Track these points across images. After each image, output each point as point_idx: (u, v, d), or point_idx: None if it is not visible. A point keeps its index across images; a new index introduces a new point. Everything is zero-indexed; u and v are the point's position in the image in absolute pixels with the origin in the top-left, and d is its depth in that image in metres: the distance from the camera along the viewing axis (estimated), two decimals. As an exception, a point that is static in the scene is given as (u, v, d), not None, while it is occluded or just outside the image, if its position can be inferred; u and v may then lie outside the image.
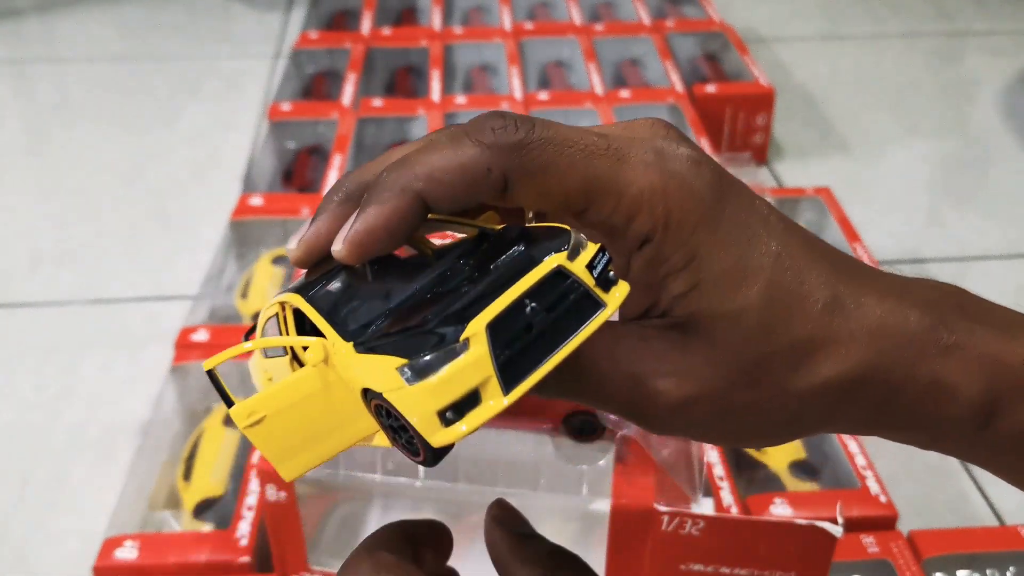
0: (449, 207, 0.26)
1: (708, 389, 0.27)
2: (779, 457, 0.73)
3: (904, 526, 0.67)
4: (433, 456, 0.25)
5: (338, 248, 0.26)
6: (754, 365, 0.27)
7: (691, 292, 0.27)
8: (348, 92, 1.19)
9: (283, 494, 0.57)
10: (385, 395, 0.24)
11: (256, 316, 0.91)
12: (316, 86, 1.29)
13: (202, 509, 0.70)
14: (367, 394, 0.25)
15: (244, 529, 0.65)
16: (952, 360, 0.27)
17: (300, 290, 0.27)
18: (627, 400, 0.27)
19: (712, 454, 0.69)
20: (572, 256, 0.25)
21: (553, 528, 0.35)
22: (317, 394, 0.26)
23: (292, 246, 0.27)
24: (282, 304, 0.27)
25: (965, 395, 0.27)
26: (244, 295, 0.90)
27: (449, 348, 0.23)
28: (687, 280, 0.27)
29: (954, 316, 0.28)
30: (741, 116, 1.18)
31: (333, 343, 0.25)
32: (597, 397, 0.27)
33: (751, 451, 0.73)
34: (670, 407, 0.27)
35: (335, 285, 0.27)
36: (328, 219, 0.27)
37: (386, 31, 1.36)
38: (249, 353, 0.28)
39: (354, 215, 0.26)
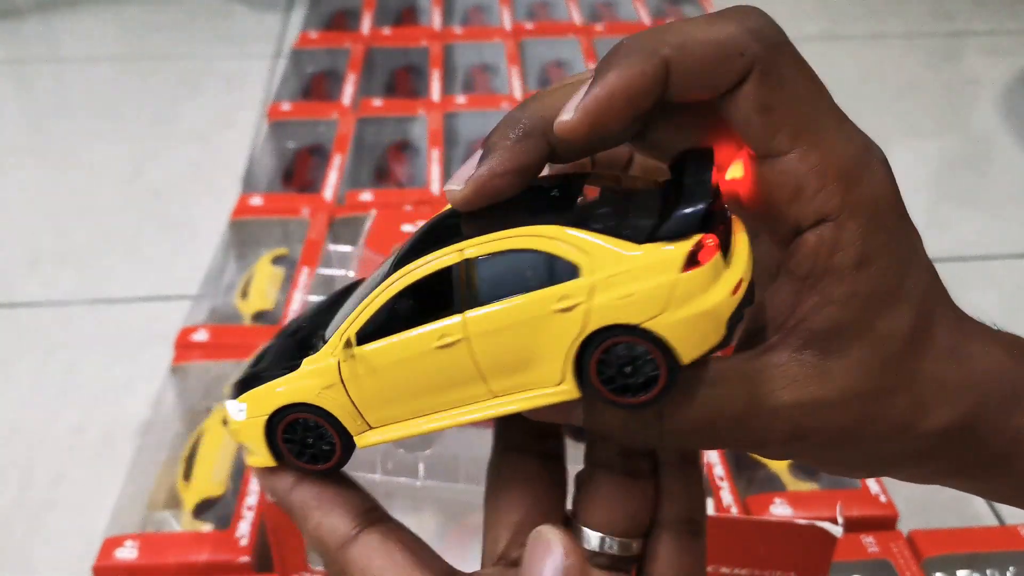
0: (692, 84, 0.24)
1: (837, 419, 0.25)
2: (779, 457, 0.73)
3: (904, 526, 0.67)
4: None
5: (567, 117, 0.23)
6: (885, 398, 0.25)
7: (848, 300, 0.24)
8: (348, 92, 1.19)
9: (283, 494, 0.57)
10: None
11: (257, 316, 0.91)
12: (316, 86, 1.29)
13: (202, 509, 0.70)
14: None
15: (244, 529, 0.65)
16: None
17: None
18: (761, 434, 0.25)
19: (712, 454, 0.69)
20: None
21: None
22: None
23: (456, 186, 0.25)
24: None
25: None
26: (244, 295, 0.90)
27: None
28: (850, 284, 0.24)
29: None
30: (741, 116, 1.18)
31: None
32: (730, 439, 0.25)
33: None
34: (798, 435, 0.25)
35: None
36: (506, 156, 0.24)
37: (386, 31, 1.36)
38: None
39: (589, 82, 0.24)
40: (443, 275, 0.25)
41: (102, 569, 0.64)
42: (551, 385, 0.25)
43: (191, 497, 0.71)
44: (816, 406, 0.25)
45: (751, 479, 0.71)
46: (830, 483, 0.71)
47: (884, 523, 0.66)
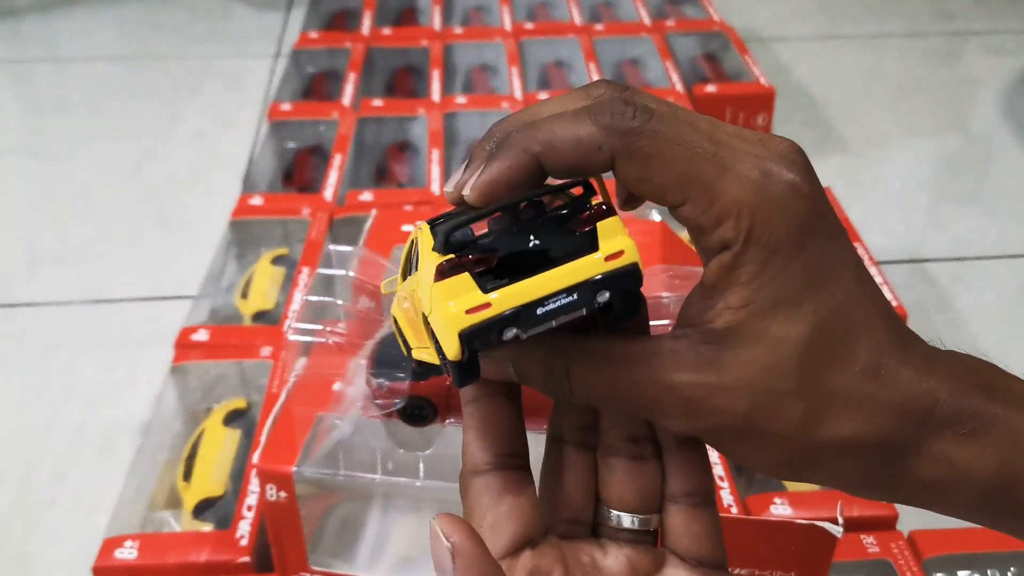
0: (562, 173, 0.29)
1: (729, 406, 0.28)
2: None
3: (904, 526, 0.67)
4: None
5: (467, 193, 0.29)
6: (778, 397, 0.28)
7: (743, 307, 0.28)
8: (348, 92, 1.19)
9: (283, 494, 0.57)
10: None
11: (257, 316, 0.91)
12: (316, 86, 1.29)
13: (202, 509, 0.70)
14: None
15: (244, 529, 0.65)
16: (968, 444, 0.28)
17: (433, 221, 0.30)
18: (656, 404, 0.29)
19: (712, 454, 0.69)
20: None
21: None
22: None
23: (449, 188, 0.30)
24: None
25: (978, 474, 0.29)
26: (244, 295, 0.90)
27: None
28: (744, 294, 0.28)
29: (980, 400, 0.29)
30: (741, 116, 1.18)
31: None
32: (628, 402, 0.29)
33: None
34: (693, 412, 0.29)
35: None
36: (479, 165, 0.30)
37: (386, 31, 1.36)
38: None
39: (483, 164, 0.29)
40: (411, 246, 0.31)
41: (102, 569, 0.64)
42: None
43: (191, 497, 0.71)
44: (708, 389, 0.28)
45: (751, 479, 0.71)
46: (830, 483, 0.71)
47: (884, 523, 0.66)
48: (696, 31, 1.35)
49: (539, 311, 0.27)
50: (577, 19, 1.38)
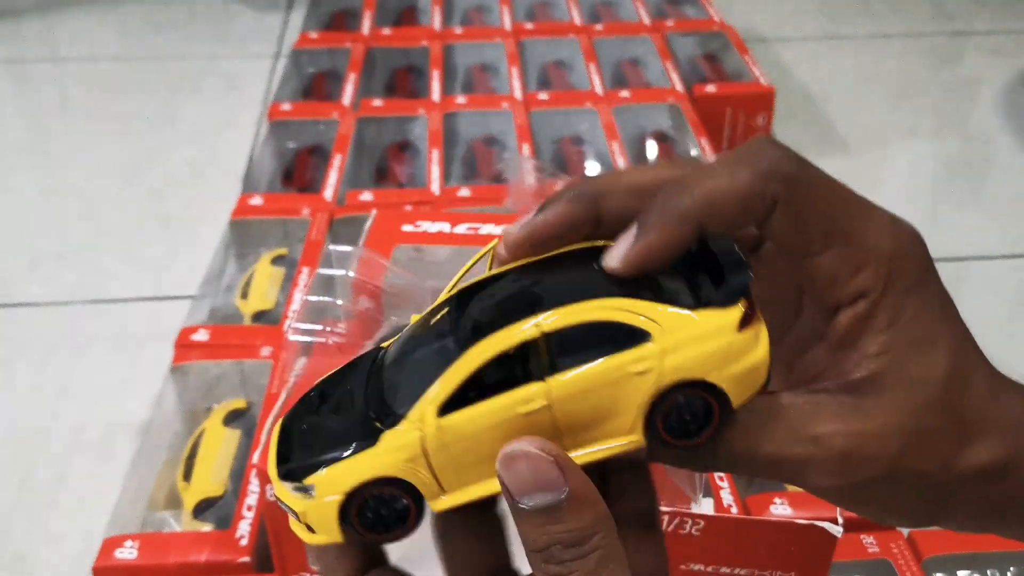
0: (723, 228, 0.28)
1: (882, 451, 0.28)
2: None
3: (904, 526, 0.67)
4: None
5: (615, 264, 0.27)
6: (927, 435, 0.28)
7: (883, 354, 0.28)
8: (348, 92, 1.19)
9: (283, 494, 0.57)
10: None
11: (257, 316, 0.90)
12: (316, 86, 1.29)
13: (202, 509, 0.70)
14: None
15: (244, 529, 0.65)
16: None
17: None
18: (805, 461, 0.28)
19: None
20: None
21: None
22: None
23: (515, 230, 0.28)
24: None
25: None
26: (244, 295, 0.90)
27: None
28: (884, 341, 0.28)
29: None
30: (741, 116, 1.18)
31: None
32: (773, 459, 0.28)
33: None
34: (843, 466, 0.28)
35: None
36: (558, 213, 0.28)
37: (386, 31, 1.36)
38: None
39: (633, 234, 0.27)
40: (523, 347, 0.27)
41: (102, 569, 0.64)
42: (621, 435, 0.28)
43: (191, 497, 0.71)
44: (860, 437, 0.28)
45: (751, 479, 0.71)
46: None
47: (884, 523, 0.66)
48: (696, 31, 1.35)
49: None
50: (577, 19, 1.38)
